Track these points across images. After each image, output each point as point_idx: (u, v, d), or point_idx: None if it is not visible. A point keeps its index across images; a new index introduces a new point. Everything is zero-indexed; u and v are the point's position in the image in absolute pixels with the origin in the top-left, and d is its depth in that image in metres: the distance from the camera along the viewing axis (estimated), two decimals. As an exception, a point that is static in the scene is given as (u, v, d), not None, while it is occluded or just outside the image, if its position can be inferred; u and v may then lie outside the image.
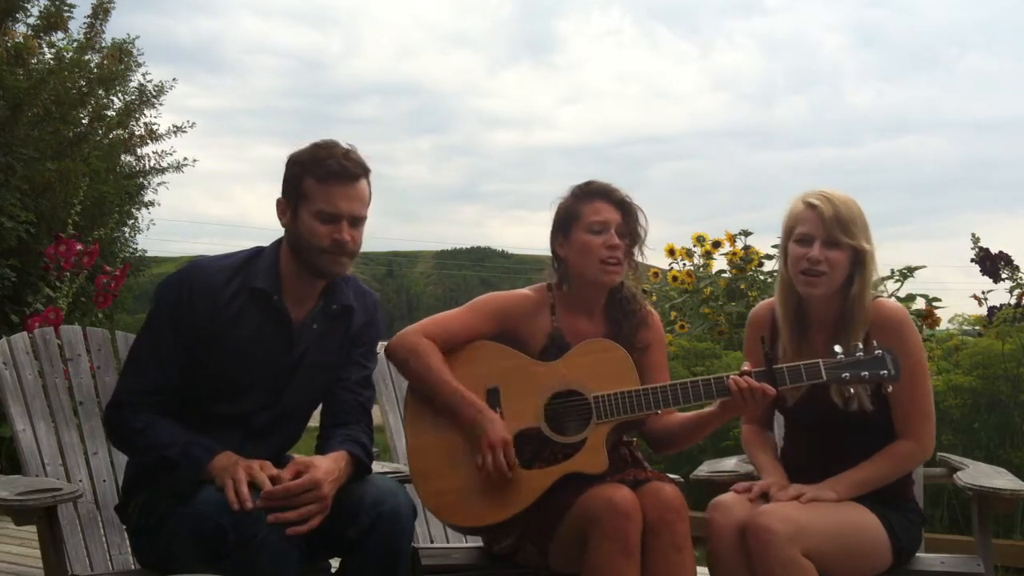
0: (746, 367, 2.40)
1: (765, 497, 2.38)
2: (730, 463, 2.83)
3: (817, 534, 2.25)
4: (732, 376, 2.37)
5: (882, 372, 2.32)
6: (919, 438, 2.44)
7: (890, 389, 2.35)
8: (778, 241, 7.19)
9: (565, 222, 2.60)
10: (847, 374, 2.32)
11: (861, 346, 2.34)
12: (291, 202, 2.32)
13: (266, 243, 2.43)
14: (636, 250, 2.61)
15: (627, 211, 2.58)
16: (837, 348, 2.35)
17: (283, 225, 2.35)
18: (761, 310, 2.67)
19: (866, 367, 2.32)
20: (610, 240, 2.53)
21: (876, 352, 2.33)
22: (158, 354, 2.29)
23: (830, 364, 2.34)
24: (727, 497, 2.41)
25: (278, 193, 2.37)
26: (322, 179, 2.27)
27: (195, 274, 2.31)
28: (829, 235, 2.42)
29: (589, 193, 2.60)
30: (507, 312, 2.60)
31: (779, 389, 2.35)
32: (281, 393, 2.35)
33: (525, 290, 2.67)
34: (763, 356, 2.40)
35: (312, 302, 2.38)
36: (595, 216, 2.55)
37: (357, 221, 2.32)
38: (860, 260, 2.44)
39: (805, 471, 2.45)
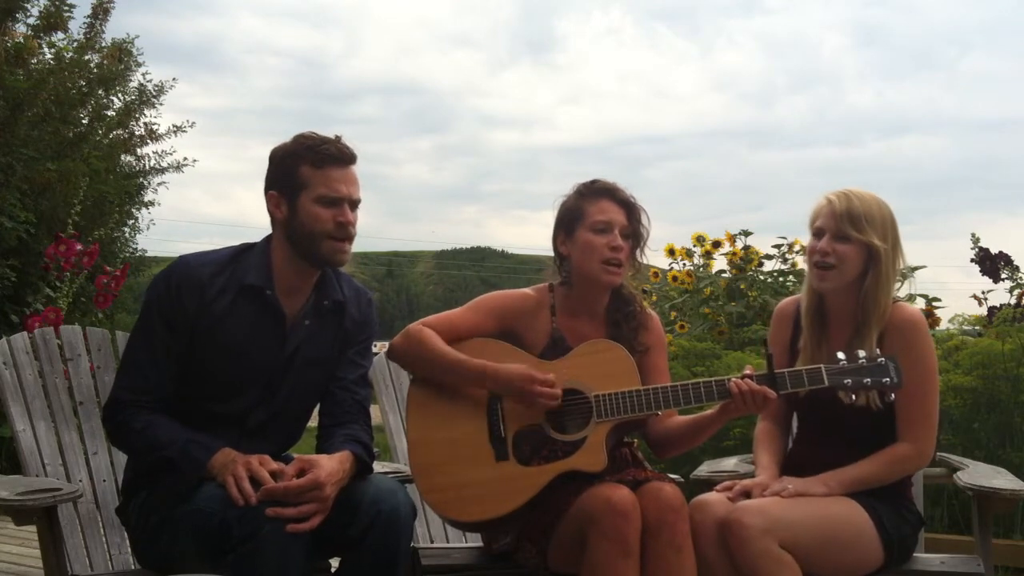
0: (748, 370, 2.40)
1: (747, 496, 2.38)
2: (730, 463, 2.84)
3: (795, 526, 2.26)
4: (734, 379, 2.37)
5: (884, 380, 2.32)
6: (919, 443, 2.45)
7: (892, 397, 2.36)
8: (778, 241, 7.14)
9: (569, 220, 2.59)
10: (849, 380, 2.33)
11: (863, 353, 2.35)
12: (287, 193, 2.31)
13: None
14: (638, 251, 2.61)
15: (631, 211, 2.59)
16: (840, 354, 2.36)
17: (278, 218, 2.34)
18: (787, 305, 2.69)
19: (869, 374, 2.33)
20: (614, 241, 2.53)
21: (879, 359, 2.34)
22: (152, 351, 2.29)
23: (832, 370, 2.34)
24: (707, 496, 2.42)
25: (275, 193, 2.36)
26: (319, 164, 2.28)
27: (181, 269, 2.31)
28: (838, 228, 2.45)
29: (594, 192, 2.60)
30: (507, 310, 2.61)
31: (780, 393, 2.35)
32: (276, 390, 2.35)
33: (526, 289, 2.68)
34: (765, 360, 2.40)
35: (304, 298, 2.39)
36: (600, 215, 2.55)
37: (355, 204, 2.34)
38: (874, 257, 2.45)
39: (813, 468, 2.45)
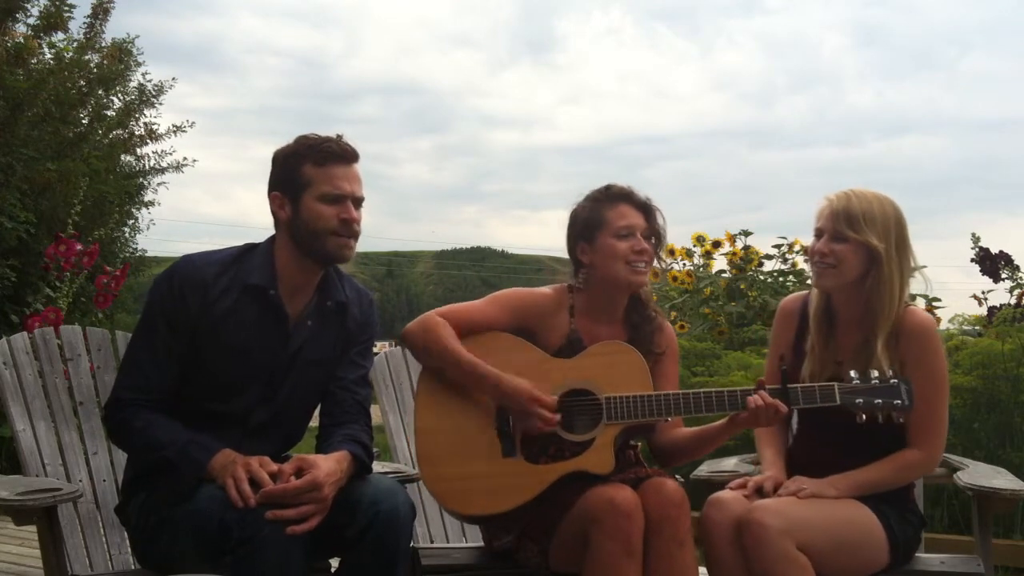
0: (761, 381, 2.40)
1: (760, 492, 2.38)
2: (730, 463, 2.83)
3: (812, 528, 2.26)
4: (751, 396, 2.37)
5: (895, 402, 2.33)
6: (929, 449, 2.45)
7: (901, 420, 2.37)
8: (778, 241, 7.12)
9: (588, 228, 2.58)
10: (861, 400, 2.33)
11: (876, 373, 2.35)
12: (290, 193, 2.32)
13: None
14: (660, 251, 2.62)
15: (649, 213, 2.59)
16: (852, 373, 2.36)
17: (282, 219, 2.34)
18: (792, 302, 2.69)
19: (880, 395, 2.33)
20: (638, 244, 2.53)
21: (891, 380, 2.34)
22: (154, 351, 2.29)
23: (844, 389, 2.35)
24: (723, 494, 2.42)
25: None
26: (321, 162, 2.29)
27: (185, 269, 2.32)
28: (835, 228, 2.45)
29: (611, 197, 2.59)
30: (526, 308, 2.60)
31: (791, 408, 2.37)
32: (277, 390, 2.35)
33: (545, 289, 2.67)
34: (779, 374, 2.41)
35: (307, 298, 2.39)
36: (621, 221, 2.54)
37: (359, 202, 2.34)
38: (875, 258, 2.44)
39: (812, 467, 2.46)
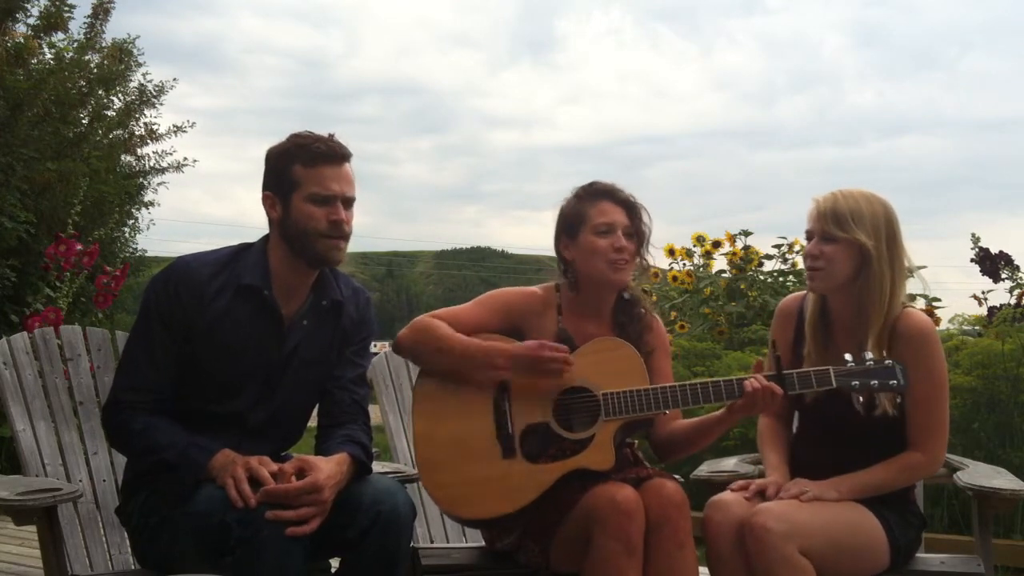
0: (757, 367, 2.40)
1: (762, 496, 2.38)
2: (730, 463, 2.83)
3: (814, 532, 2.26)
4: (748, 380, 2.37)
5: (891, 382, 2.32)
6: (931, 451, 2.44)
7: (899, 400, 2.36)
8: (778, 241, 7.11)
9: (570, 225, 2.59)
10: (857, 382, 2.33)
11: (870, 355, 2.35)
12: (280, 193, 2.31)
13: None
14: (643, 250, 2.61)
15: (632, 211, 2.58)
16: (847, 356, 2.36)
17: (273, 219, 2.34)
18: (789, 302, 2.68)
19: (875, 376, 2.33)
20: (617, 242, 2.52)
21: (886, 362, 2.33)
22: (150, 352, 2.29)
23: (840, 371, 2.34)
24: (725, 496, 2.41)
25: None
26: (310, 163, 2.28)
27: (180, 270, 2.31)
28: (823, 229, 2.44)
29: (593, 194, 2.59)
30: (514, 307, 2.60)
31: (788, 394, 2.36)
32: (274, 390, 2.35)
33: (534, 288, 2.67)
34: (773, 360, 2.41)
35: (302, 298, 2.39)
36: (601, 217, 2.54)
37: (349, 202, 2.33)
38: (865, 256, 2.42)
39: (814, 469, 2.45)
